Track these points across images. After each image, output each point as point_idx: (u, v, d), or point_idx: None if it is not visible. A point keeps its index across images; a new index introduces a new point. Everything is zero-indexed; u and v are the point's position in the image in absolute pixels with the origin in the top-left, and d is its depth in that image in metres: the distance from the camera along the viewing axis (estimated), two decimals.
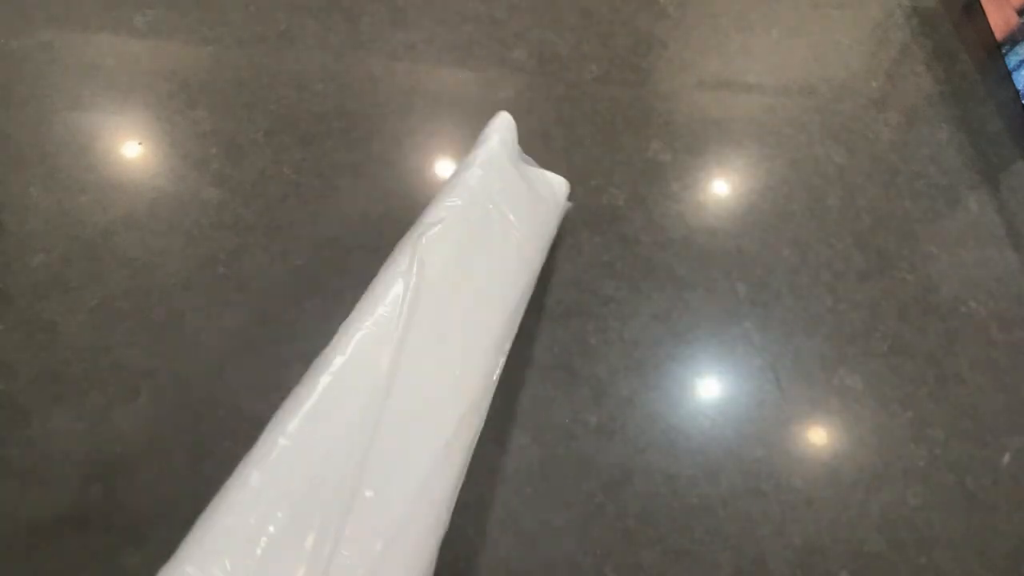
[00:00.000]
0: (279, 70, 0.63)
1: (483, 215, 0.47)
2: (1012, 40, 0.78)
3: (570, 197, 0.61)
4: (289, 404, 0.40)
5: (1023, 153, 0.72)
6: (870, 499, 0.51)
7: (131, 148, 0.58)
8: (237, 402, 0.48)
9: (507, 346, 0.45)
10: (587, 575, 0.46)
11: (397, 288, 0.43)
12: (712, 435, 0.52)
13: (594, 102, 0.67)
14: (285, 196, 0.57)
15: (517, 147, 0.54)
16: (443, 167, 0.61)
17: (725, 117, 0.69)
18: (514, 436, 0.50)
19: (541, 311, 0.55)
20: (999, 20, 0.80)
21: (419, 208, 0.59)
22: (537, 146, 0.63)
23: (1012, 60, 0.77)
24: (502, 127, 0.53)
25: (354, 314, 0.42)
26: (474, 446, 0.41)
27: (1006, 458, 0.54)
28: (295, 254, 0.55)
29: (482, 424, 0.41)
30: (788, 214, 0.64)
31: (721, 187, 0.65)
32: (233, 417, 0.47)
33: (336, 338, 0.42)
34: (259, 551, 0.34)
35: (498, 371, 0.43)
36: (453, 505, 0.38)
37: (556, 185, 0.56)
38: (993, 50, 0.79)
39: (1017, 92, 0.75)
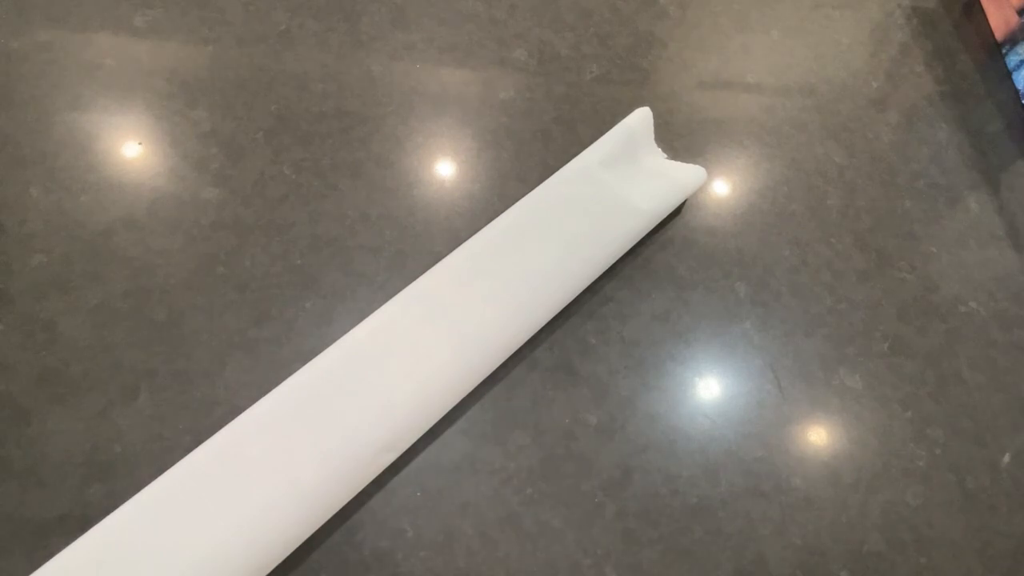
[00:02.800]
0: (279, 70, 0.63)
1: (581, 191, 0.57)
2: (1012, 40, 0.78)
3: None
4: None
5: (1023, 153, 0.72)
6: (870, 499, 0.52)
7: (131, 148, 0.58)
8: (237, 402, 0.48)
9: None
10: (587, 575, 0.46)
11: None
12: (712, 435, 0.52)
13: (594, 102, 0.67)
14: (285, 196, 0.57)
15: (649, 140, 0.61)
16: (443, 167, 0.61)
17: (725, 117, 0.69)
18: (514, 436, 0.50)
19: None
20: (999, 20, 0.80)
21: (419, 208, 0.60)
22: (537, 146, 0.63)
23: (1012, 60, 0.77)
24: (632, 120, 0.60)
25: None
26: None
27: (1006, 458, 0.55)
28: (295, 254, 0.55)
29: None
30: (788, 214, 0.64)
31: (721, 187, 0.65)
32: (233, 417, 0.47)
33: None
34: None
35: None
36: None
37: (684, 176, 0.60)
38: (993, 50, 0.79)
39: (1017, 92, 0.75)
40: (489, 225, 0.55)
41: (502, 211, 0.56)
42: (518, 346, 0.52)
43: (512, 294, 0.51)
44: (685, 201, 0.61)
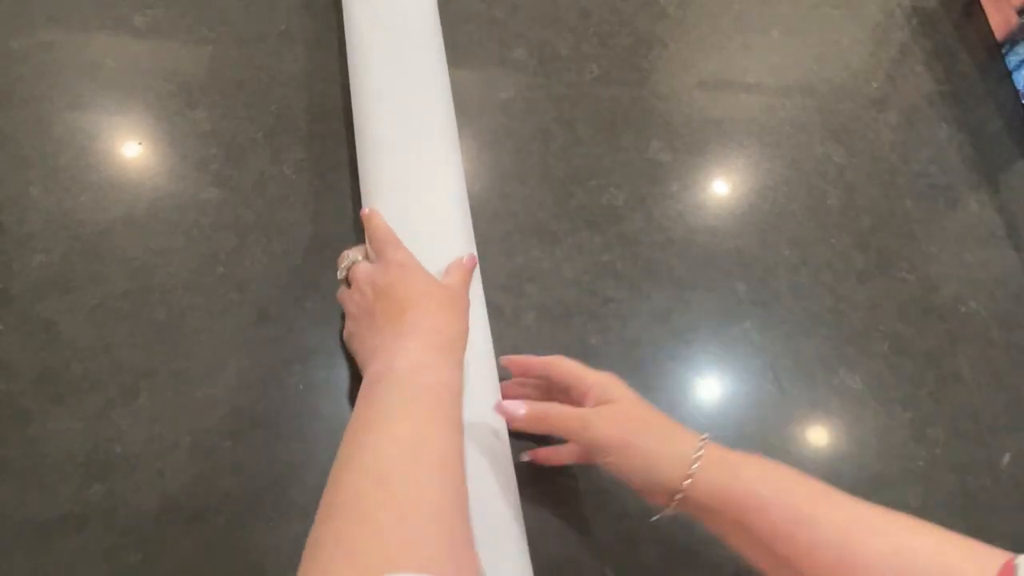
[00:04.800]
0: (279, 70, 0.63)
1: None
2: (1012, 40, 0.78)
3: (571, 196, 0.61)
4: None
5: (1023, 153, 0.72)
6: (870, 499, 0.51)
7: (131, 148, 0.58)
8: (237, 402, 0.48)
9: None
10: (587, 575, 0.46)
11: None
12: (712, 435, 0.52)
13: (594, 102, 0.67)
14: (285, 196, 0.57)
15: None
16: None
17: (725, 117, 0.69)
18: (514, 436, 0.50)
19: (541, 311, 0.55)
20: (999, 20, 0.80)
21: None
22: (537, 146, 0.63)
23: (1012, 60, 0.77)
24: None
25: None
26: None
27: (1006, 458, 0.55)
28: (295, 254, 0.55)
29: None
30: (788, 214, 0.64)
31: (721, 187, 0.65)
32: (233, 417, 0.47)
33: None
34: None
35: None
36: None
37: None
38: (993, 50, 0.79)
39: (1017, 92, 0.75)
40: None
41: (502, 211, 0.56)
42: None
43: None
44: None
